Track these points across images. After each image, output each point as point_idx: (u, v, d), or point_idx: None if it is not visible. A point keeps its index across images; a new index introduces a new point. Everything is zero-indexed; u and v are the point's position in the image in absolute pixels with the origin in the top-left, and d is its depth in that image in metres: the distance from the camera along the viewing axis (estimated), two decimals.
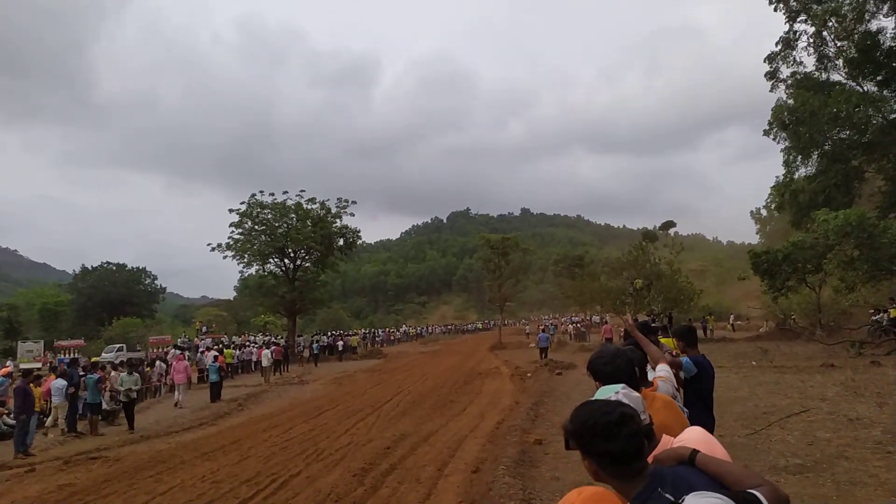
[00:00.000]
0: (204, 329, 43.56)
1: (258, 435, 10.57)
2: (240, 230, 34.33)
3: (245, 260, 34.57)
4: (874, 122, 23.54)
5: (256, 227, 34.63)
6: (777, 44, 26.54)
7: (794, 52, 26.21)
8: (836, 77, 25.39)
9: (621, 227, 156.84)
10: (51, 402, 12.95)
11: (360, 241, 40.41)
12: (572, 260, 61.10)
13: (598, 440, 1.45)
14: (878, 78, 23.86)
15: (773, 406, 9.31)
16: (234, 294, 67.35)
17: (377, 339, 47.27)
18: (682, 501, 1.32)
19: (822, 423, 7.93)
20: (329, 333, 41.68)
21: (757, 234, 74.84)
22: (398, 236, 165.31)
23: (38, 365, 24.29)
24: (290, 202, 35.27)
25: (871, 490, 5.19)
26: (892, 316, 19.14)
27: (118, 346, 33.88)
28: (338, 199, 37.00)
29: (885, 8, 22.58)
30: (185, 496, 6.69)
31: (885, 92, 23.72)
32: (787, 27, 25.82)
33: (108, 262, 60.19)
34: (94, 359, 21.15)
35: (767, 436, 7.43)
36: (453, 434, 9.33)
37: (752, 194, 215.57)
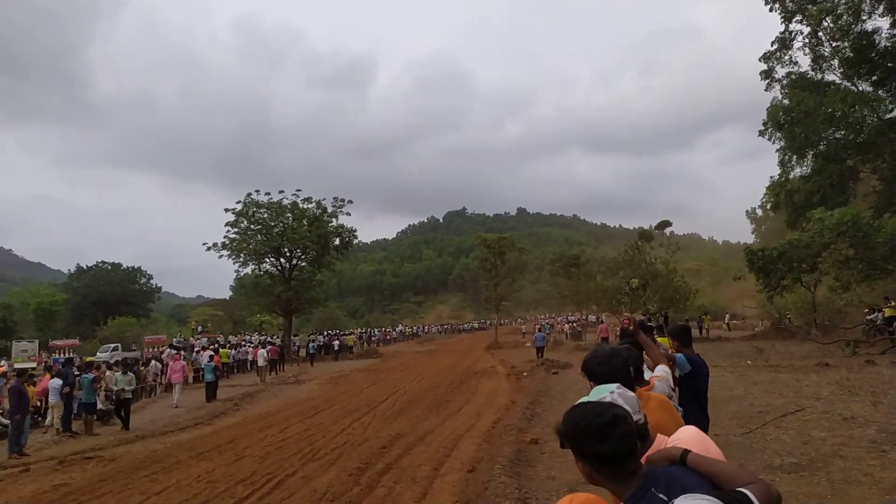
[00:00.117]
0: (199, 328, 43.52)
1: (254, 434, 10.55)
2: (236, 230, 34.15)
3: (241, 259, 34.41)
4: (869, 122, 23.58)
5: (252, 226, 34.44)
6: (773, 44, 26.65)
7: (790, 52, 26.33)
8: (831, 77, 25.48)
9: (617, 226, 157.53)
10: (46, 401, 12.91)
11: (356, 241, 40.29)
12: (568, 259, 61.35)
13: (590, 442, 1.44)
14: (874, 78, 23.91)
15: (769, 405, 9.34)
16: (230, 293, 67.41)
17: (373, 338, 47.14)
18: (674, 503, 1.31)
19: (817, 422, 7.95)
20: (325, 333, 41.65)
21: (752, 233, 75.32)
22: (394, 236, 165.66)
23: (33, 365, 24.18)
24: (286, 201, 35.14)
25: (865, 489, 5.21)
26: (886, 315, 19.17)
27: (113, 345, 33.74)
28: (334, 198, 36.86)
29: (881, 8, 22.65)
30: (180, 496, 6.66)
31: (880, 92, 23.77)
32: (782, 27, 25.97)
33: (104, 262, 60.10)
34: (88, 358, 21.09)
35: (763, 435, 7.45)
36: (449, 433, 9.33)
37: (747, 194, 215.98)
